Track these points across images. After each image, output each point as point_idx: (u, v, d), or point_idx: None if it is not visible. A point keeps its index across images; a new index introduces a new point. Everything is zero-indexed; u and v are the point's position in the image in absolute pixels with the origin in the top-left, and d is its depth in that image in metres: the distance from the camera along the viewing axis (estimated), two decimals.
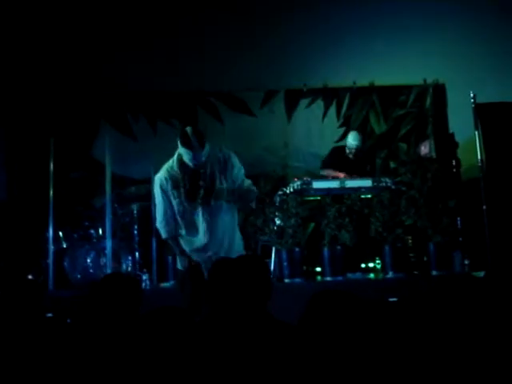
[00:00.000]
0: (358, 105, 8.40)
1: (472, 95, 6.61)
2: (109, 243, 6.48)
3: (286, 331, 2.47)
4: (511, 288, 3.01)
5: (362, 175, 6.85)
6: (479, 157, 6.56)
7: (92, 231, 6.92)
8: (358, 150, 7.17)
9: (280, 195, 6.49)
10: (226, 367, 2.27)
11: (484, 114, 6.61)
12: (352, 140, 7.17)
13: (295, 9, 8.00)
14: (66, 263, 6.63)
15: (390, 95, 8.42)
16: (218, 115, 8.29)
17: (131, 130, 8.14)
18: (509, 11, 7.82)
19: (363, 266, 6.57)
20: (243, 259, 2.88)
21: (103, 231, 6.76)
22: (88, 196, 7.59)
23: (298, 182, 6.47)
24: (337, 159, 7.18)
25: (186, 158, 4.20)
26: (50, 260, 6.43)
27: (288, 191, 6.47)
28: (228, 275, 2.74)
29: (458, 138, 7.65)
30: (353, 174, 6.84)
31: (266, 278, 2.76)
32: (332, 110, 8.40)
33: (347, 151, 7.16)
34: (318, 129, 8.34)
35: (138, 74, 7.78)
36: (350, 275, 6.31)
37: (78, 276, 6.60)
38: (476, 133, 6.59)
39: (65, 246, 6.86)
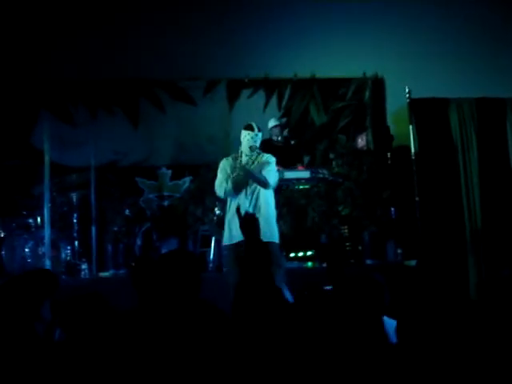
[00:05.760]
0: (298, 96, 8.48)
1: (407, 90, 6.82)
2: (47, 232, 6.42)
3: (215, 317, 2.56)
4: (441, 276, 3.14)
5: (296, 163, 6.95)
6: (413, 150, 6.78)
7: (30, 220, 6.83)
8: (287, 138, 7.30)
9: None
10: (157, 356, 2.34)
11: (418, 108, 6.82)
12: (273, 122, 7.29)
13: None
14: (3, 252, 6.55)
15: (331, 87, 8.51)
16: (160, 104, 8.27)
17: (71, 117, 8.03)
18: (448, 8, 8.03)
19: (300, 254, 6.71)
20: (172, 255, 2.87)
21: (42, 220, 6.70)
22: (26, 184, 7.47)
23: None
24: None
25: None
26: None
27: None
28: (155, 272, 2.78)
29: (394, 131, 7.83)
30: (287, 162, 6.91)
31: (194, 274, 2.77)
32: (273, 101, 8.48)
33: (274, 139, 7.25)
34: (259, 119, 8.36)
35: (78, 63, 7.68)
36: (287, 264, 6.43)
37: (16, 266, 6.53)
38: (410, 127, 6.80)
39: (2, 235, 6.76)
